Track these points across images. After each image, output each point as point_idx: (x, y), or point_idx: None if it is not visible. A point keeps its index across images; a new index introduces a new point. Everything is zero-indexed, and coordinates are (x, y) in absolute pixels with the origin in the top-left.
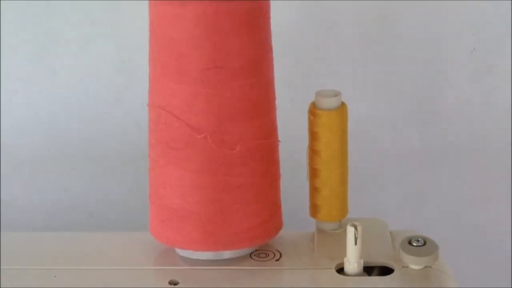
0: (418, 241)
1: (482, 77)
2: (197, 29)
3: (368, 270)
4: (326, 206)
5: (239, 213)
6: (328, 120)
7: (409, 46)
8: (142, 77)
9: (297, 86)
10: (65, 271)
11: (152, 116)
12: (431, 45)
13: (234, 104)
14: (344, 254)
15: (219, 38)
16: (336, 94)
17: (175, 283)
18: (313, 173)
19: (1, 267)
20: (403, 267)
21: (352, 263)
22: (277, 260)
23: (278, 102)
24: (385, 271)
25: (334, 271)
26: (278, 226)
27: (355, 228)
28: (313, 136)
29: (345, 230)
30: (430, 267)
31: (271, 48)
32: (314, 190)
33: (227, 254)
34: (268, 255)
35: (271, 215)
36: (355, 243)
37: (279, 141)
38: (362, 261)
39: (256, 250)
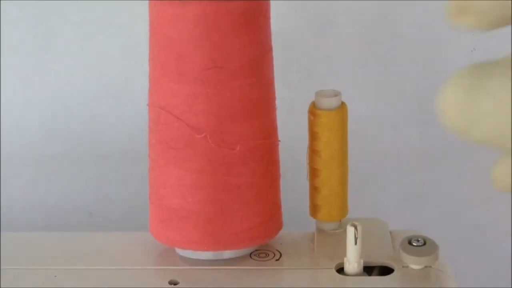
0: (418, 241)
1: None
2: (197, 29)
3: (368, 270)
4: (326, 206)
5: (239, 213)
6: (328, 120)
7: (409, 46)
8: (142, 77)
9: (297, 86)
10: (65, 271)
11: (152, 116)
12: (431, 45)
13: (234, 104)
14: (344, 254)
15: (219, 38)
16: (336, 94)
17: (175, 283)
18: (313, 173)
19: (1, 267)
20: (403, 267)
21: (352, 263)
22: (277, 260)
23: (278, 102)
24: (385, 271)
25: (334, 271)
26: (278, 226)
27: (355, 228)
28: (313, 136)
29: (345, 230)
30: (430, 267)
31: (271, 48)
32: (314, 190)
33: (227, 254)
34: (268, 255)
35: (271, 215)
36: (355, 243)
37: (279, 141)
38: (362, 261)
39: (256, 250)
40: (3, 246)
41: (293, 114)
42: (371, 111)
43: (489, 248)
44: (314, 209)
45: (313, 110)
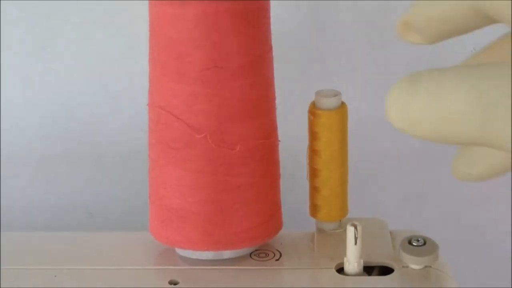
0: (418, 241)
1: None
2: (197, 29)
3: (368, 270)
4: (326, 206)
5: (239, 213)
6: (328, 120)
7: (409, 46)
8: (142, 77)
9: (297, 86)
10: (65, 271)
11: (152, 116)
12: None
13: (234, 104)
14: (344, 254)
15: (219, 38)
16: (336, 94)
17: (175, 283)
18: (313, 173)
19: (1, 267)
20: (403, 267)
21: (352, 263)
22: (277, 260)
23: (278, 102)
24: (385, 271)
25: (334, 271)
26: (278, 226)
27: (355, 228)
28: (313, 136)
29: (345, 230)
30: (430, 267)
31: (271, 48)
32: (314, 190)
33: (227, 254)
34: (268, 254)
35: (271, 215)
36: (355, 243)
37: (279, 141)
38: (362, 261)
39: (256, 250)
40: (3, 246)
41: (293, 114)
42: (371, 111)
43: (489, 248)
44: (314, 209)
45: (313, 110)
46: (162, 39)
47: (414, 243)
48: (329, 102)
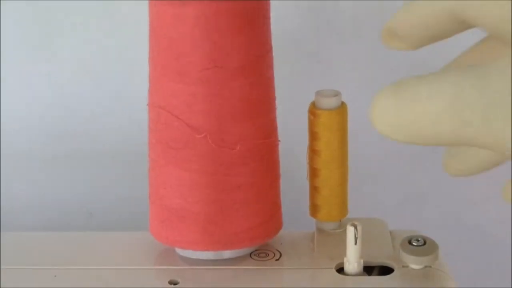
0: (418, 240)
1: None
2: (197, 29)
3: (368, 270)
4: (326, 206)
5: (239, 213)
6: (328, 120)
7: None
8: (142, 77)
9: (297, 86)
10: (65, 271)
11: (152, 116)
12: (431, 45)
13: (234, 104)
14: (344, 254)
15: (218, 38)
16: (336, 94)
17: (175, 283)
18: (313, 173)
19: (1, 267)
20: (403, 266)
21: (352, 263)
22: (277, 259)
23: (278, 102)
24: (385, 270)
25: (334, 271)
26: (278, 226)
27: (355, 227)
28: (313, 136)
29: (345, 230)
30: (430, 266)
31: (271, 48)
32: (314, 190)
33: (227, 253)
34: (268, 254)
35: (271, 215)
36: (355, 243)
37: (279, 141)
38: (362, 261)
39: (256, 250)
40: (3, 246)
41: (293, 114)
42: None
43: (489, 248)
44: (314, 209)
45: (313, 110)
46: (162, 39)
47: (414, 243)
48: (329, 102)
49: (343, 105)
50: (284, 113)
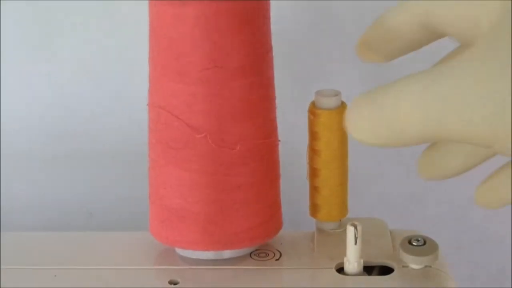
0: (418, 240)
1: None
2: (197, 29)
3: (368, 269)
4: (326, 206)
5: (239, 213)
6: (328, 120)
7: None
8: (142, 77)
9: (297, 86)
10: (65, 271)
11: (152, 116)
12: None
13: (234, 104)
14: (344, 253)
15: (218, 38)
16: (336, 94)
17: (175, 283)
18: (313, 173)
19: (1, 267)
20: (403, 266)
21: (352, 263)
22: (277, 259)
23: (278, 102)
24: (385, 270)
25: (334, 270)
26: (278, 226)
27: (355, 227)
28: (313, 136)
29: (345, 230)
30: (430, 266)
31: (271, 48)
32: (314, 190)
33: (227, 253)
34: (268, 254)
35: (271, 215)
36: (355, 243)
37: (279, 141)
38: (362, 260)
39: (256, 250)
40: (3, 246)
41: (293, 114)
42: None
43: (489, 248)
44: (314, 209)
45: (313, 110)
46: (162, 39)
47: (414, 243)
48: (329, 102)
49: (343, 105)
50: (284, 113)
